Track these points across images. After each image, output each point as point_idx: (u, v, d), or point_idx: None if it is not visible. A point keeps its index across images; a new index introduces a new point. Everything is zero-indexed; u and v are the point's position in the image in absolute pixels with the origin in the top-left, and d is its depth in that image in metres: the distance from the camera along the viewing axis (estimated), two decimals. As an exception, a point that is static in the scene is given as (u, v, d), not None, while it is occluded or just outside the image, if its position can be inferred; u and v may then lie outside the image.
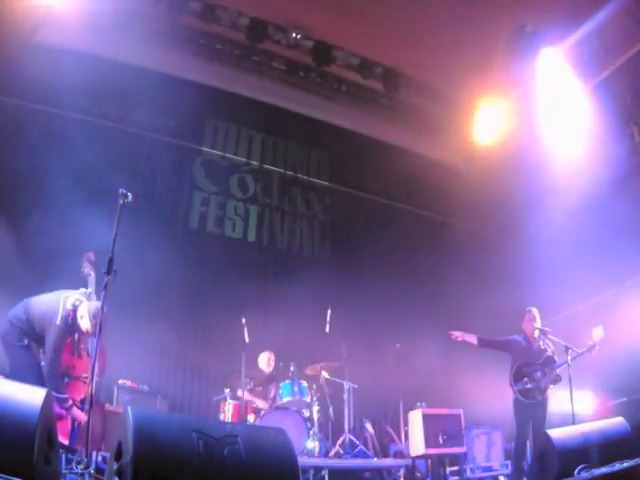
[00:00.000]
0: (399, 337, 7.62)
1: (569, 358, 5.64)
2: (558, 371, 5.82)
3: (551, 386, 5.86)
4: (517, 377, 6.04)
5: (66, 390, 4.55)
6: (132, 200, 4.33)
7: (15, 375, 4.32)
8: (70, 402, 4.47)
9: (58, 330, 4.50)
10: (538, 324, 6.15)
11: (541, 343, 6.10)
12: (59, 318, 4.52)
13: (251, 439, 2.58)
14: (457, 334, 6.32)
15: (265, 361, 6.93)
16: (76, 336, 4.81)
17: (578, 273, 7.07)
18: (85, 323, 4.58)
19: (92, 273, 5.25)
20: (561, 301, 7.44)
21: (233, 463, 2.46)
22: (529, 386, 5.92)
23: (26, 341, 4.59)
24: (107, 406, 5.45)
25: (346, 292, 8.10)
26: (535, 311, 6.24)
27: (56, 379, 4.43)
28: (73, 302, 4.65)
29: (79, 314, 4.60)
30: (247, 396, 6.42)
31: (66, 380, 4.62)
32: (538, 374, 5.93)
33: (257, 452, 2.55)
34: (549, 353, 6.00)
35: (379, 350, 7.72)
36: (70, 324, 4.58)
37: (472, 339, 6.30)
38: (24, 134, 6.45)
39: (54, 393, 4.04)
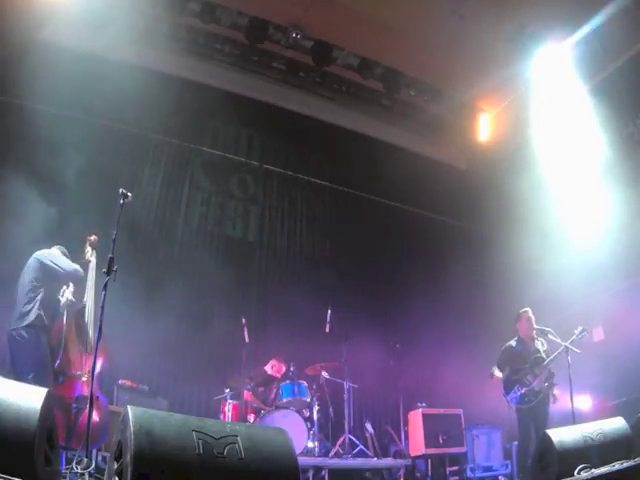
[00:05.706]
0: (399, 337, 7.62)
1: (569, 358, 5.62)
2: (550, 368, 5.79)
3: (546, 384, 5.80)
4: (507, 387, 5.97)
5: (61, 389, 4.50)
6: (132, 200, 4.34)
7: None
8: None
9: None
10: (534, 325, 6.11)
11: (537, 343, 6.05)
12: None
13: (251, 439, 2.58)
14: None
15: (271, 368, 6.94)
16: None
17: (578, 273, 7.07)
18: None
19: (93, 259, 4.82)
20: (561, 301, 7.44)
21: (233, 463, 2.46)
22: (521, 392, 5.83)
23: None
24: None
25: (346, 292, 8.11)
26: (530, 312, 6.19)
27: None
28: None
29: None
30: (247, 396, 6.43)
31: (61, 379, 4.51)
32: (528, 377, 5.84)
33: (257, 452, 2.55)
34: (540, 353, 5.92)
35: (379, 350, 7.72)
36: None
37: (499, 376, 6.10)
38: (23, 134, 6.44)
39: None
